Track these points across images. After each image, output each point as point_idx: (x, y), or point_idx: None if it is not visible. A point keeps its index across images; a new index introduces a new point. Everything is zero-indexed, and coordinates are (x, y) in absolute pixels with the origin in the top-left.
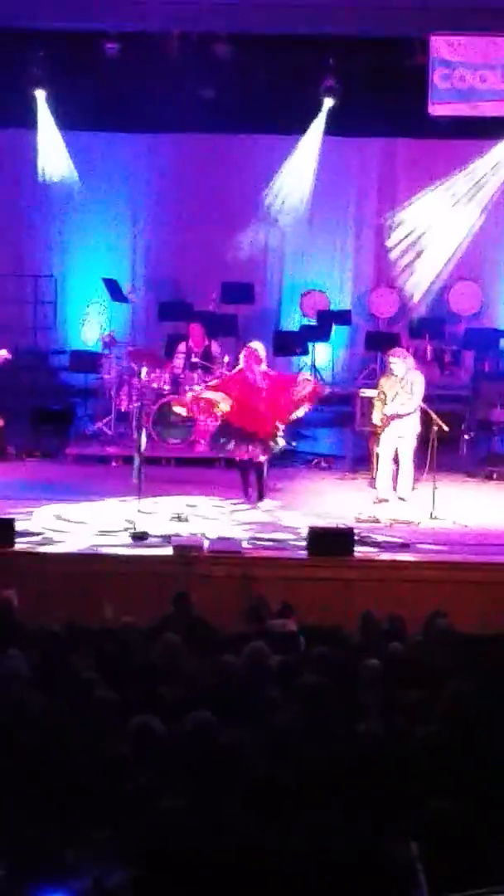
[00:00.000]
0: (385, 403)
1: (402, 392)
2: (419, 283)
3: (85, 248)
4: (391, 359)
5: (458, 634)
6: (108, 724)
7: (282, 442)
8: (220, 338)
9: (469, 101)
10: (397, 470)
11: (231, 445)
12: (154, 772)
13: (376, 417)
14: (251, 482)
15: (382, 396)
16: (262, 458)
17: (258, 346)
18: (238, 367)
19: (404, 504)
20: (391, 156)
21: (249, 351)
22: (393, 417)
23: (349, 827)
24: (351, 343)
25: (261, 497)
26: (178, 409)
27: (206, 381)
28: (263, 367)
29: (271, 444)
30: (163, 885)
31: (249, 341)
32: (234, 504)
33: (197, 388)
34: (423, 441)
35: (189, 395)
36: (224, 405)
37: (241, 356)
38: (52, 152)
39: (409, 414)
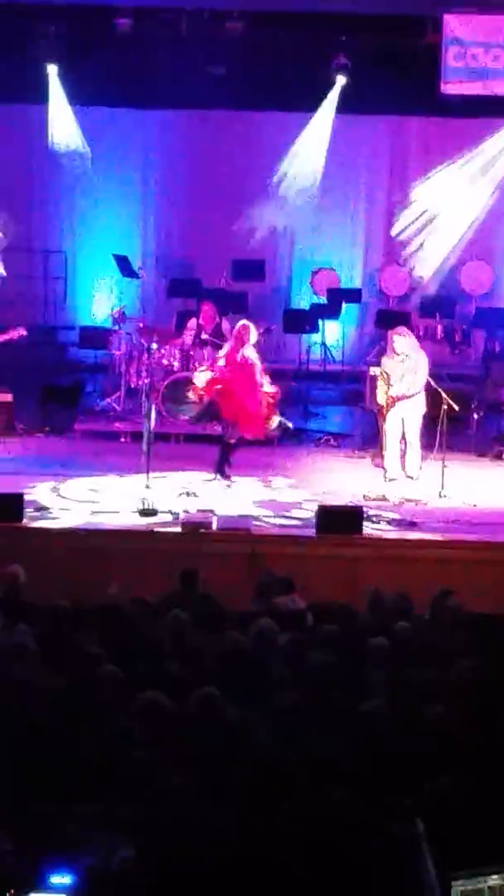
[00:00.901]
0: (388, 384)
1: (407, 373)
2: (430, 261)
3: (95, 224)
4: (394, 336)
5: (466, 613)
6: (114, 700)
7: (276, 421)
8: (231, 315)
9: (481, 79)
10: (405, 449)
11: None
12: (160, 748)
13: (381, 398)
14: (227, 460)
15: (385, 376)
16: (232, 440)
17: (245, 323)
18: (228, 347)
19: (413, 483)
20: (403, 134)
21: (242, 328)
22: (399, 398)
23: (355, 805)
24: (361, 321)
25: (228, 476)
26: (191, 396)
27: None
28: (249, 350)
29: (266, 424)
30: (167, 861)
31: (259, 319)
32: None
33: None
34: (433, 420)
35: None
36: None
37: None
38: (64, 127)
39: (415, 395)
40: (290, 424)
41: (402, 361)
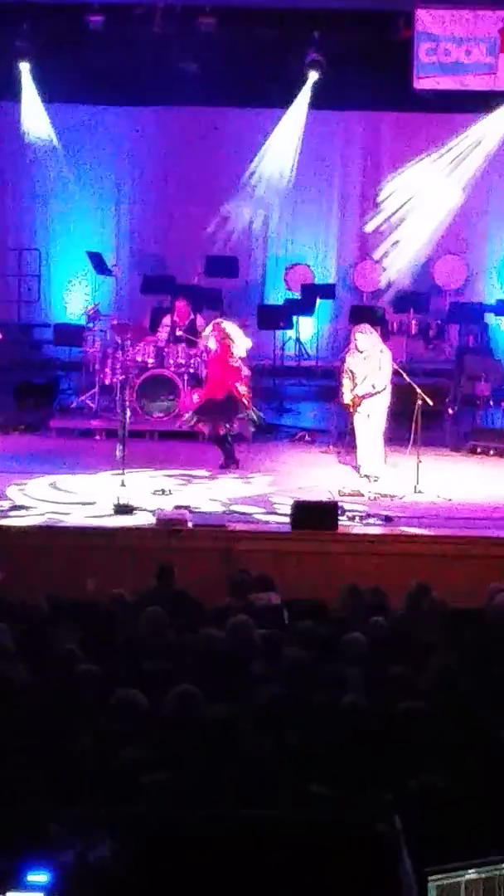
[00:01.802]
0: (354, 382)
1: (370, 372)
2: (403, 256)
3: (69, 222)
4: (356, 333)
5: (442, 608)
6: (92, 698)
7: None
8: (205, 311)
9: (454, 74)
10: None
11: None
12: (138, 745)
13: (346, 397)
14: (227, 451)
15: (350, 374)
16: (222, 432)
17: (225, 325)
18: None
19: (388, 478)
20: (376, 129)
21: (218, 327)
22: (365, 397)
23: (333, 800)
24: (335, 317)
25: (227, 465)
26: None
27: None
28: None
29: (248, 415)
30: (147, 859)
31: (232, 315)
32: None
33: None
34: (407, 415)
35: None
36: None
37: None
38: (36, 125)
39: (379, 392)
40: (256, 417)
41: (365, 360)
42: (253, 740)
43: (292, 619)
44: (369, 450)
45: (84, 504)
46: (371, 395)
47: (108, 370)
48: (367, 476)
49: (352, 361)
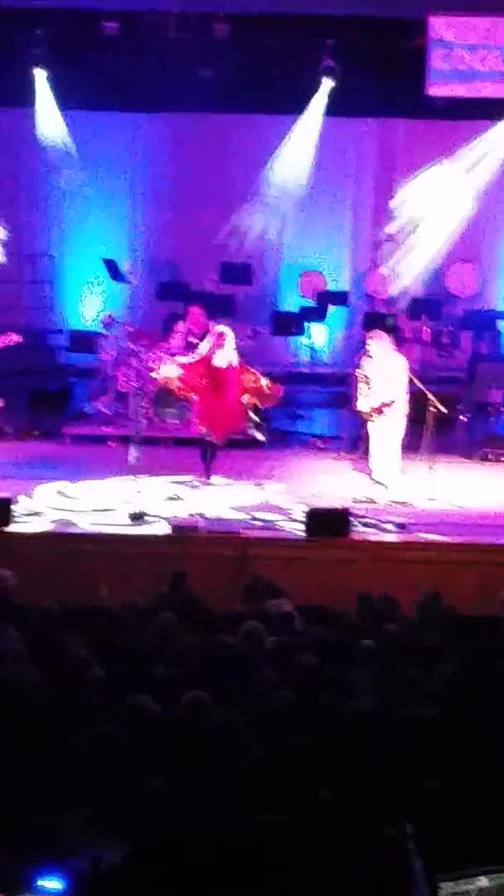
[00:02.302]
0: (369, 387)
1: (385, 382)
2: (417, 264)
3: (83, 228)
4: (368, 341)
5: (454, 615)
6: (102, 704)
7: (258, 435)
8: (219, 318)
9: (467, 81)
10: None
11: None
12: (149, 751)
13: (362, 404)
14: (208, 459)
15: (365, 380)
16: (215, 440)
17: (222, 330)
18: (205, 344)
19: (401, 485)
20: (389, 137)
21: (219, 333)
22: (381, 408)
23: (343, 807)
24: (348, 324)
25: (208, 475)
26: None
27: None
28: (227, 354)
29: (247, 427)
30: (157, 865)
31: (246, 322)
32: (191, 481)
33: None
34: (420, 422)
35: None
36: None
37: (210, 336)
38: (51, 131)
39: (394, 401)
40: (260, 438)
41: (379, 368)
42: (263, 746)
43: (304, 626)
44: (383, 456)
45: (97, 510)
46: (387, 405)
47: (121, 377)
48: (379, 483)
49: (366, 367)
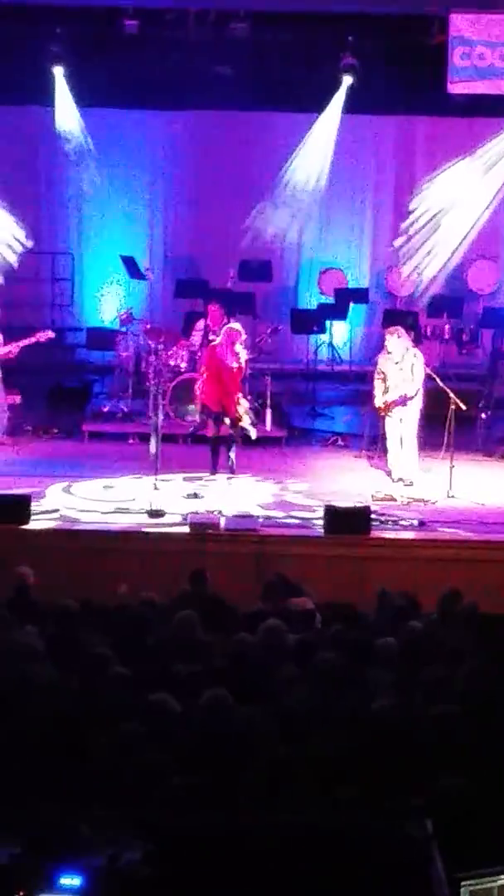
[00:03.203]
0: (386, 384)
1: (403, 375)
2: (437, 261)
3: (103, 226)
4: (387, 337)
5: (475, 613)
6: (123, 701)
7: (251, 430)
8: (238, 316)
9: (488, 78)
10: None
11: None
12: (169, 749)
13: (378, 400)
14: (221, 458)
15: (382, 376)
16: (231, 433)
17: (238, 327)
18: (213, 343)
19: (421, 482)
20: (409, 134)
21: (229, 331)
22: (398, 402)
23: (364, 805)
24: (368, 321)
25: (232, 471)
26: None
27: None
28: (239, 348)
29: (240, 424)
30: (177, 863)
31: (266, 319)
32: (203, 479)
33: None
34: (440, 420)
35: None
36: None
37: (222, 333)
38: (71, 129)
39: (412, 397)
40: (251, 433)
41: (397, 364)
42: (284, 744)
43: (324, 624)
44: (402, 454)
45: (116, 508)
46: (403, 401)
47: (141, 374)
48: (399, 480)
49: (383, 364)
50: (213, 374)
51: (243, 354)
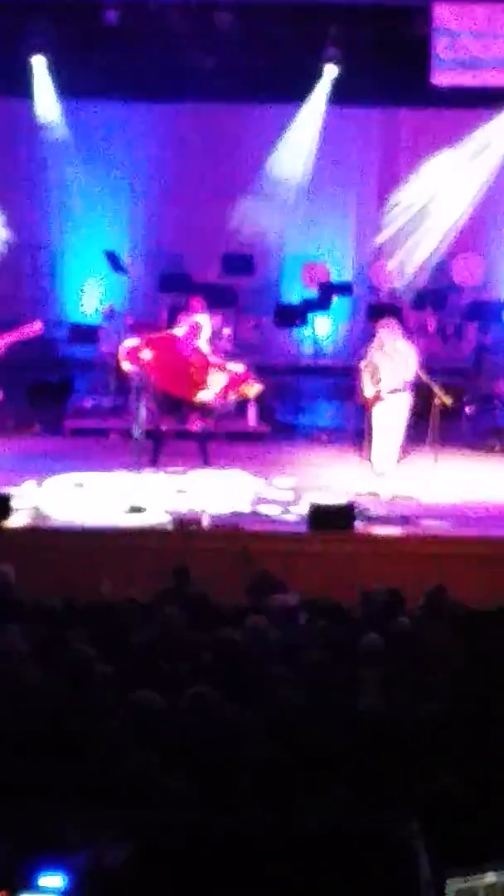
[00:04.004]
0: (376, 377)
1: (395, 367)
2: (421, 254)
3: (84, 219)
4: (379, 329)
5: (459, 609)
6: (107, 700)
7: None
8: (221, 309)
9: (472, 70)
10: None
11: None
12: (154, 748)
13: (368, 391)
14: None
15: (371, 368)
16: (197, 427)
17: (204, 322)
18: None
19: (404, 477)
20: (393, 125)
21: (195, 324)
22: (379, 395)
23: (350, 804)
24: (352, 315)
25: (205, 462)
26: (124, 366)
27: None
28: (203, 343)
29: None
30: (162, 863)
31: (248, 312)
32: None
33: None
34: (425, 414)
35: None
36: (146, 354)
37: (186, 324)
38: (51, 121)
39: (403, 390)
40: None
41: (389, 356)
42: (268, 743)
43: (309, 621)
44: (385, 447)
45: (98, 504)
46: (397, 391)
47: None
48: (382, 474)
49: (376, 356)
50: (166, 362)
51: (204, 348)
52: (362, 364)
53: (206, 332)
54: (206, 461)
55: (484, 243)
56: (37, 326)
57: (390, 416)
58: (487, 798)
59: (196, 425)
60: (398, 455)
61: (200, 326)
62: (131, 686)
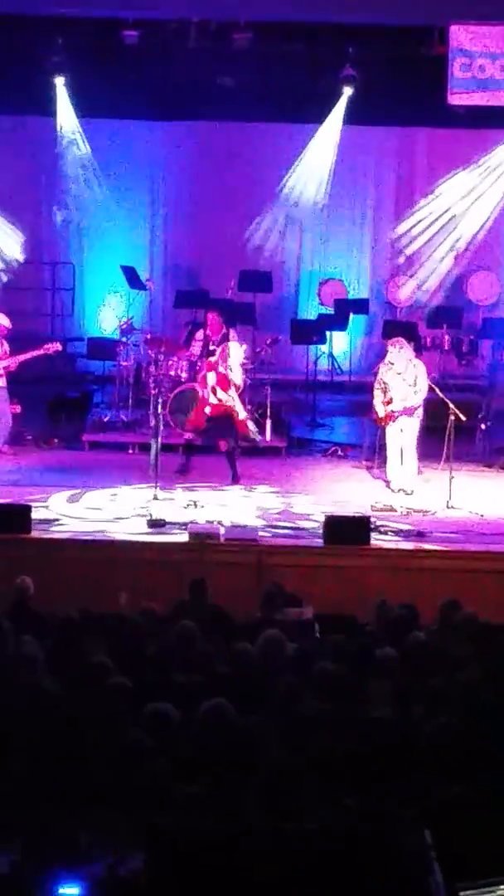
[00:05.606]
0: (386, 395)
1: (406, 386)
2: (437, 272)
3: (103, 236)
4: (389, 348)
5: (473, 623)
6: (122, 711)
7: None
8: (238, 326)
9: (488, 90)
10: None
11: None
12: (169, 758)
13: (379, 410)
14: (230, 465)
15: (383, 385)
16: (224, 447)
17: (235, 351)
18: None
19: (420, 493)
20: (410, 145)
21: (225, 347)
22: (403, 413)
23: (363, 815)
24: (368, 332)
25: (235, 480)
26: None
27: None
28: (234, 364)
29: (248, 432)
30: (177, 872)
31: (268, 330)
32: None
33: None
34: (440, 430)
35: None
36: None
37: (219, 349)
38: (71, 140)
39: (415, 407)
40: (258, 439)
41: (400, 375)
42: (283, 753)
43: (323, 634)
44: (402, 464)
45: (116, 517)
46: (406, 410)
47: (141, 384)
48: (400, 490)
49: (385, 374)
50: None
51: (237, 372)
52: (376, 383)
53: (237, 357)
54: (234, 478)
55: (499, 262)
56: (56, 346)
57: (403, 434)
58: (500, 810)
59: (224, 444)
60: (416, 470)
61: (226, 349)
62: (146, 697)
